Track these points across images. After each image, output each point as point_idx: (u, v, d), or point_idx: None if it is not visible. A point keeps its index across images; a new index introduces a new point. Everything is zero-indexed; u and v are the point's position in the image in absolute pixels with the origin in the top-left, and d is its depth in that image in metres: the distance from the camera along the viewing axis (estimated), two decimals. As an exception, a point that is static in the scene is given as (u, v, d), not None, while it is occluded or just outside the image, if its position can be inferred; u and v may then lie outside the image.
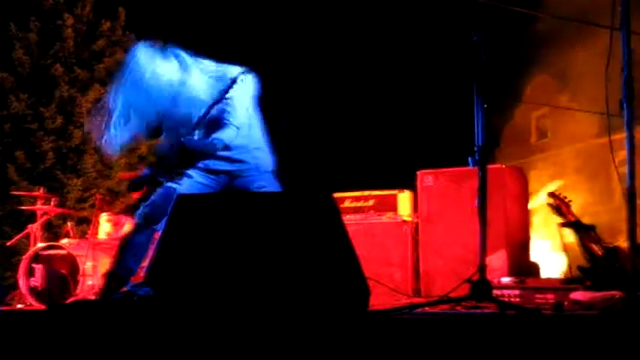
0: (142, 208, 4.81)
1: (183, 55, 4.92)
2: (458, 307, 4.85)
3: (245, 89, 4.91)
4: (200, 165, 4.92)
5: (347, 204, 7.32)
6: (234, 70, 4.94)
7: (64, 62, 13.24)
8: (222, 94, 4.81)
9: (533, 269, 6.70)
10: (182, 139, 4.85)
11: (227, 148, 4.86)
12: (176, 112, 4.88)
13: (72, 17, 13.39)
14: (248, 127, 4.94)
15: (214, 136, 4.81)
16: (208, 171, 4.93)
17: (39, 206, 8.61)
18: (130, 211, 8.23)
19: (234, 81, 4.84)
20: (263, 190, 4.89)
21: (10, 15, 13.17)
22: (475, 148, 4.30)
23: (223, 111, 4.84)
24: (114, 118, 4.76)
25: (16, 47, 13.15)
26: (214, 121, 4.86)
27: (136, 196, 5.01)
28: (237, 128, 4.85)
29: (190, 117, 4.90)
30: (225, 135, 4.82)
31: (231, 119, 4.83)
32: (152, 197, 4.84)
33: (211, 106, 4.81)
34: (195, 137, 4.93)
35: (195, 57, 4.97)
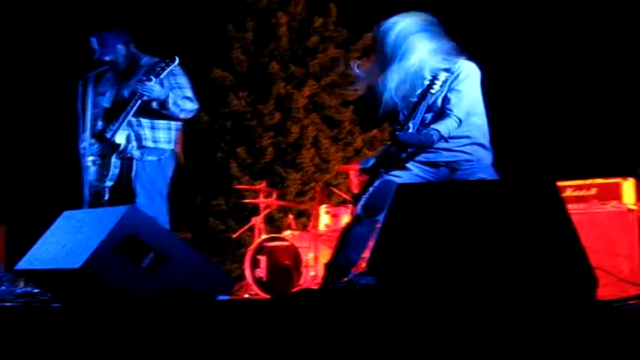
0: (361, 199, 4.83)
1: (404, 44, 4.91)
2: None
3: (470, 80, 4.80)
4: (420, 158, 4.80)
5: (568, 193, 7.09)
6: (457, 61, 4.84)
7: (280, 59, 13.62)
8: (445, 85, 4.74)
9: None
10: (396, 133, 4.80)
11: (444, 139, 4.69)
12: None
13: (285, 15, 13.75)
14: (471, 117, 4.81)
15: (432, 126, 4.70)
16: (427, 164, 4.81)
17: (261, 199, 8.92)
18: (347, 203, 8.37)
19: (458, 72, 4.75)
20: None
21: (228, 17, 13.72)
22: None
23: (448, 101, 4.75)
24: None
25: (235, 47, 13.69)
26: (437, 111, 4.80)
27: (362, 179, 5.04)
28: (459, 120, 4.73)
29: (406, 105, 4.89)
30: (443, 126, 4.67)
31: (454, 109, 4.75)
32: (371, 189, 4.83)
33: (430, 96, 4.75)
34: (410, 129, 4.83)
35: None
